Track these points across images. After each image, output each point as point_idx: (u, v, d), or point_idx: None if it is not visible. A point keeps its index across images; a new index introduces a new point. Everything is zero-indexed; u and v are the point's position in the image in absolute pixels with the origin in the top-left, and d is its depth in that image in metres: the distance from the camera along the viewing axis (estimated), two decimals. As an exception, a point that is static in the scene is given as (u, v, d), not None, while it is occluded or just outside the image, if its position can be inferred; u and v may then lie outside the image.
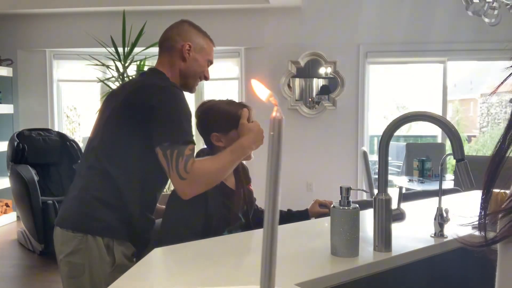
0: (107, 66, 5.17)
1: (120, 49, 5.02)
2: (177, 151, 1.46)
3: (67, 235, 1.52)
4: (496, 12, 3.53)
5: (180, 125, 1.51)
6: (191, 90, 1.74)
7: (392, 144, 5.18)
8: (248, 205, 1.77)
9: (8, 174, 4.51)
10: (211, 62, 1.77)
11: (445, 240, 1.41)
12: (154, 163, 1.49)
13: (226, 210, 1.67)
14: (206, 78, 1.75)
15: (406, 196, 2.18)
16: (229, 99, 1.76)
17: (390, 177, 4.31)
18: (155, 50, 5.97)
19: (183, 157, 1.46)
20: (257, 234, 1.51)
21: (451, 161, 6.52)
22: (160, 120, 1.49)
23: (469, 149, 10.36)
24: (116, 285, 1.07)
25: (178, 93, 1.56)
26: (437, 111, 5.28)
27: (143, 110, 1.51)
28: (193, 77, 1.71)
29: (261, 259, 0.48)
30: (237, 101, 1.78)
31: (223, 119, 1.67)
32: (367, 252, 1.29)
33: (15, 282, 3.74)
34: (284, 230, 1.59)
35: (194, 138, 1.55)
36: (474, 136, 11.69)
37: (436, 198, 1.48)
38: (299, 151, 5.31)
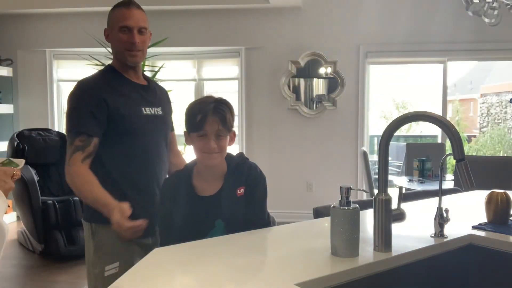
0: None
1: (120, 49, 5.02)
2: (69, 140, 1.65)
3: (84, 224, 1.76)
4: (496, 12, 3.53)
5: (70, 117, 1.67)
6: (129, 62, 1.74)
7: (392, 144, 5.19)
8: (229, 212, 1.59)
9: (8, 174, 4.50)
10: (127, 27, 1.68)
11: (445, 240, 1.41)
12: (100, 150, 1.67)
13: (194, 222, 1.58)
14: (134, 44, 1.69)
15: (406, 196, 2.18)
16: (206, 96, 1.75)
17: (390, 177, 4.31)
18: (155, 50, 5.96)
19: (71, 147, 1.64)
20: (257, 235, 1.51)
21: (451, 161, 6.53)
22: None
23: (469, 149, 10.36)
24: (116, 285, 1.07)
25: (78, 87, 1.69)
26: (437, 111, 5.28)
27: None
28: (120, 53, 1.73)
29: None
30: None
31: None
32: (367, 252, 1.29)
33: (15, 282, 3.74)
34: (284, 230, 1.59)
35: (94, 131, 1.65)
36: (474, 136, 11.69)
37: (436, 198, 1.48)
38: (299, 151, 5.31)
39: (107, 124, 1.66)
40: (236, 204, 1.58)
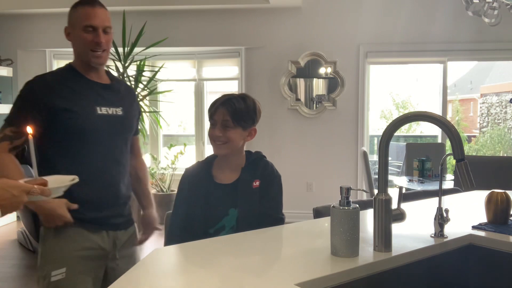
0: (107, 66, 5.16)
1: (120, 49, 5.02)
2: (2, 126, 1.63)
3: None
4: (496, 12, 3.53)
5: (13, 104, 1.65)
6: (93, 63, 1.68)
7: (392, 144, 5.19)
8: (244, 203, 1.67)
9: (8, 174, 4.50)
10: (91, 27, 1.63)
11: (445, 240, 1.41)
12: (50, 150, 1.64)
13: (208, 208, 1.67)
14: (99, 44, 1.65)
15: (406, 196, 2.18)
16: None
17: (390, 177, 4.31)
18: (155, 50, 5.96)
19: (0, 134, 1.61)
20: (257, 235, 1.51)
21: (451, 161, 6.53)
22: None
23: (469, 149, 10.37)
24: (116, 285, 1.07)
25: (30, 81, 1.65)
26: (437, 111, 5.28)
27: None
28: (83, 53, 1.67)
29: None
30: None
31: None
32: (367, 252, 1.29)
33: (15, 282, 3.74)
34: (284, 230, 1.59)
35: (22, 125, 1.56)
36: (474, 136, 11.70)
37: (436, 198, 1.48)
38: (299, 151, 5.31)
39: (56, 123, 1.60)
40: (252, 195, 1.68)
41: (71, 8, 1.69)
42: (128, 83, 5.03)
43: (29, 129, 1.31)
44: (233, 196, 1.67)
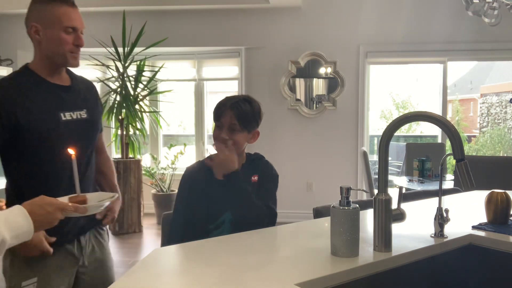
0: (107, 66, 5.17)
1: (120, 49, 5.02)
2: None
3: None
4: (496, 12, 3.53)
5: None
6: (67, 65, 1.61)
7: (392, 144, 5.18)
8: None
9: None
10: (73, 29, 1.55)
11: (445, 240, 1.41)
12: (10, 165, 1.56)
13: (210, 204, 1.68)
14: (81, 45, 1.58)
15: (406, 196, 2.18)
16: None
17: (390, 177, 4.31)
18: (155, 50, 5.94)
19: None
20: (257, 235, 1.51)
21: (451, 161, 6.53)
22: None
23: (469, 149, 10.37)
24: (116, 285, 1.07)
25: None
26: (437, 111, 5.28)
27: None
28: (59, 55, 1.55)
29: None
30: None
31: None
32: (367, 252, 1.29)
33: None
34: (284, 230, 1.59)
35: None
36: (474, 136, 11.70)
37: (436, 198, 1.48)
38: (299, 151, 5.31)
39: (19, 133, 1.48)
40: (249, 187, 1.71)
41: (38, 3, 1.55)
42: (128, 83, 5.04)
43: (71, 151, 1.30)
44: (233, 190, 1.70)
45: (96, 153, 1.78)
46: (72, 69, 1.70)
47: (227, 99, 1.73)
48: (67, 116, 1.58)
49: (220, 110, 1.70)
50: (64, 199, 1.25)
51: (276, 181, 1.78)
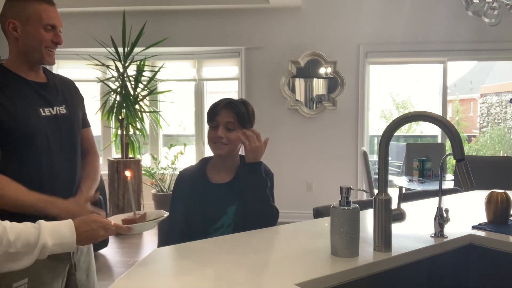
0: (107, 66, 5.17)
1: (120, 49, 5.02)
2: None
3: None
4: (496, 12, 3.53)
5: None
6: (43, 62, 1.59)
7: (392, 144, 5.17)
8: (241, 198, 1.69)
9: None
10: (52, 26, 1.56)
11: (445, 240, 1.41)
12: None
13: (207, 208, 1.68)
14: (59, 43, 1.59)
15: (406, 196, 2.18)
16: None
17: (390, 177, 4.31)
18: (155, 50, 5.93)
19: None
20: (257, 235, 1.51)
21: (451, 161, 6.53)
22: None
23: (469, 149, 10.38)
24: (116, 285, 1.07)
25: None
26: (437, 111, 5.28)
27: None
28: (36, 51, 1.55)
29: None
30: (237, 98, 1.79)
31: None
32: (367, 252, 1.29)
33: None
34: (284, 230, 1.59)
35: None
36: (474, 136, 11.70)
37: (436, 198, 1.48)
38: (299, 151, 5.31)
39: (0, 132, 1.47)
40: None
41: (22, 2, 1.54)
42: (128, 83, 5.04)
43: (128, 173, 1.30)
44: (231, 194, 1.70)
45: (82, 151, 1.74)
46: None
47: (221, 100, 1.75)
48: (46, 112, 1.57)
49: (215, 109, 1.72)
50: (117, 218, 1.34)
51: (272, 180, 1.79)
